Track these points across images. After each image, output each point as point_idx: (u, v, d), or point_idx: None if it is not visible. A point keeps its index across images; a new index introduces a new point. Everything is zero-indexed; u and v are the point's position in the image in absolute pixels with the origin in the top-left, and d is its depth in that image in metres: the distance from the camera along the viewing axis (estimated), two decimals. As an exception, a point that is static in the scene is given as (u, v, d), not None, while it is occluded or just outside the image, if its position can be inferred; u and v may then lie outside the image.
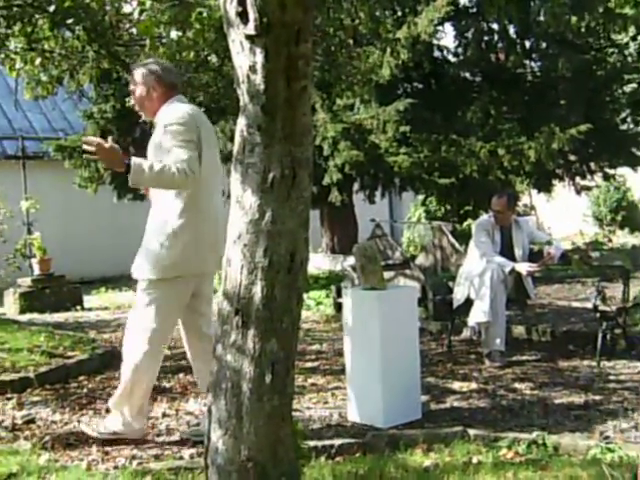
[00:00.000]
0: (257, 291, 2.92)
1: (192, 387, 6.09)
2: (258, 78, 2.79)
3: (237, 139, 2.96)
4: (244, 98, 2.88)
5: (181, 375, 6.51)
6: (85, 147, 4.33)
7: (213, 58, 8.06)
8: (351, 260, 9.29)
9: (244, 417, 2.97)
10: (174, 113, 4.45)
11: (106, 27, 6.92)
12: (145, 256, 4.55)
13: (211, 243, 4.51)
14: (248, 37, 2.75)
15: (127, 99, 9.08)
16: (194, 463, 4.10)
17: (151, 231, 4.56)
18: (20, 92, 8.05)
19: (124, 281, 12.13)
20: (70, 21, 6.48)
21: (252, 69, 2.79)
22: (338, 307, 9.04)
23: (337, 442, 4.55)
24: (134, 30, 7.40)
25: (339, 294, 8.90)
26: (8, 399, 5.62)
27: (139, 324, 4.59)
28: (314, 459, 4.15)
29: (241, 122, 2.93)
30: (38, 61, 7.04)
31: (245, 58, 2.80)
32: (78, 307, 11.23)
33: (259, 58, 2.76)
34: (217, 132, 11.43)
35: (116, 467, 4.23)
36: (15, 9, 6.68)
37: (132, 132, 12.54)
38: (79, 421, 5.12)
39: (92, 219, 15.09)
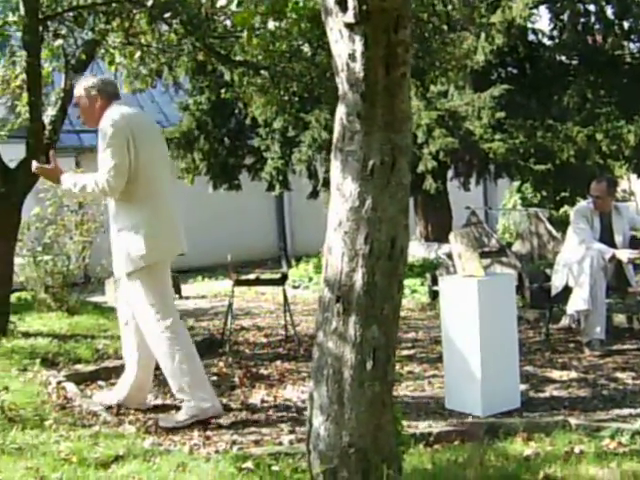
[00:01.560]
0: (358, 278, 2.93)
1: (289, 374, 6.17)
2: (357, 66, 2.79)
3: (337, 127, 2.97)
4: (343, 86, 2.89)
5: (278, 362, 6.58)
6: (33, 168, 5.11)
7: (306, 47, 8.09)
8: (446, 248, 9.24)
9: (345, 403, 2.99)
10: (107, 116, 4.83)
11: (202, 20, 7.04)
12: (117, 255, 4.92)
13: (169, 231, 4.99)
14: (347, 25, 2.76)
15: (222, 91, 9.25)
16: (293, 449, 4.15)
17: (116, 231, 4.90)
18: (118, 86, 8.23)
19: (220, 270, 12.32)
20: (167, 15, 6.63)
21: (351, 57, 2.79)
22: (433, 295, 9.00)
23: (435, 430, 4.55)
24: (228, 22, 7.50)
25: (434, 282, 8.85)
26: (112, 385, 5.78)
27: (141, 318, 4.93)
28: (413, 446, 4.15)
29: (341, 110, 2.94)
30: (137, 55, 7.22)
31: (344, 46, 2.81)
32: (176, 295, 11.40)
33: (358, 46, 2.76)
34: (311, 122, 11.48)
35: (217, 451, 4.31)
36: (114, 5, 6.85)
37: (227, 123, 12.72)
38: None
39: (187, 209, 15.27)
